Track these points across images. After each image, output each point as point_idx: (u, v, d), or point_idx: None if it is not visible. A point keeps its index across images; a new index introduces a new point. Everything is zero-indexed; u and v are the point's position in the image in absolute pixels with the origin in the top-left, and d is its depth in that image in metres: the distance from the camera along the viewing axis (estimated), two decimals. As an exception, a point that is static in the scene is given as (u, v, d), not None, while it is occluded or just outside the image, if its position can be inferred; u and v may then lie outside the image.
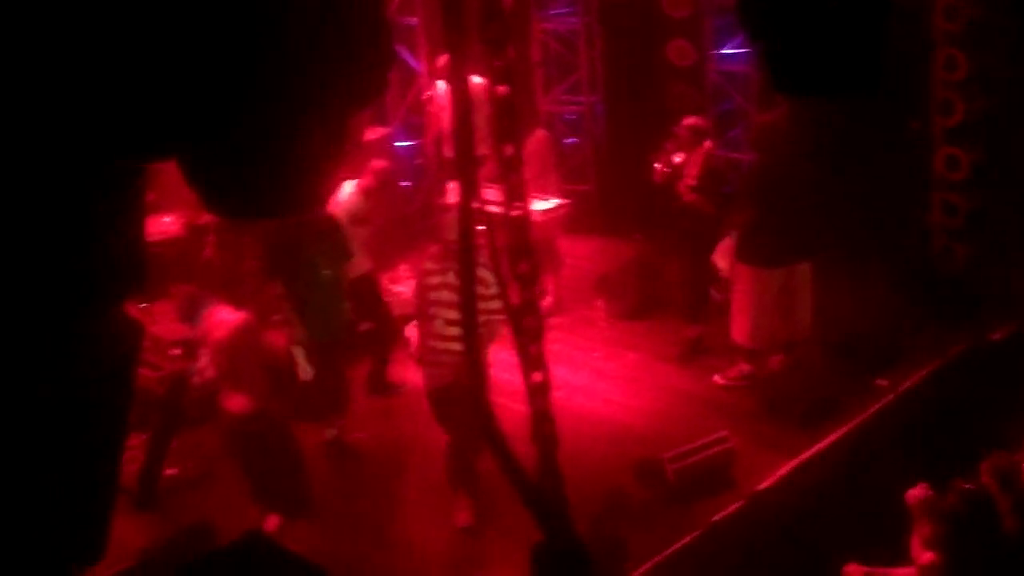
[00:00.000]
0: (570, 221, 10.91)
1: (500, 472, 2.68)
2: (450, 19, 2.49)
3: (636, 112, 11.79)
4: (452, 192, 9.71)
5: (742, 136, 11.06)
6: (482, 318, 6.88)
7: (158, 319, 8.70)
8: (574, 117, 12.62)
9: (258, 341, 7.51)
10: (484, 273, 7.10)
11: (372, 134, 11.27)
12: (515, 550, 6.50)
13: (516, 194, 2.68)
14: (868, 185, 9.79)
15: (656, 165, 9.33)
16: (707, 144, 9.29)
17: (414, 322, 7.85)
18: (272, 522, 7.46)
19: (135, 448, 7.63)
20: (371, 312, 9.13)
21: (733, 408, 8.68)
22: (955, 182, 9.74)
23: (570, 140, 12.68)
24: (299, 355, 8.23)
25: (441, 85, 11.39)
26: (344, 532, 7.52)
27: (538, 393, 2.59)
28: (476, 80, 3.70)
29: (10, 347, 1.95)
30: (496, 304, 6.11)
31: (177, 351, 8.05)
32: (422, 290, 7.47)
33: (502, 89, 2.69)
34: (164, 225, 9.96)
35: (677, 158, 9.23)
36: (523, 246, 2.67)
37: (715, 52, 11.34)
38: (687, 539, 6.68)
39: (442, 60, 11.26)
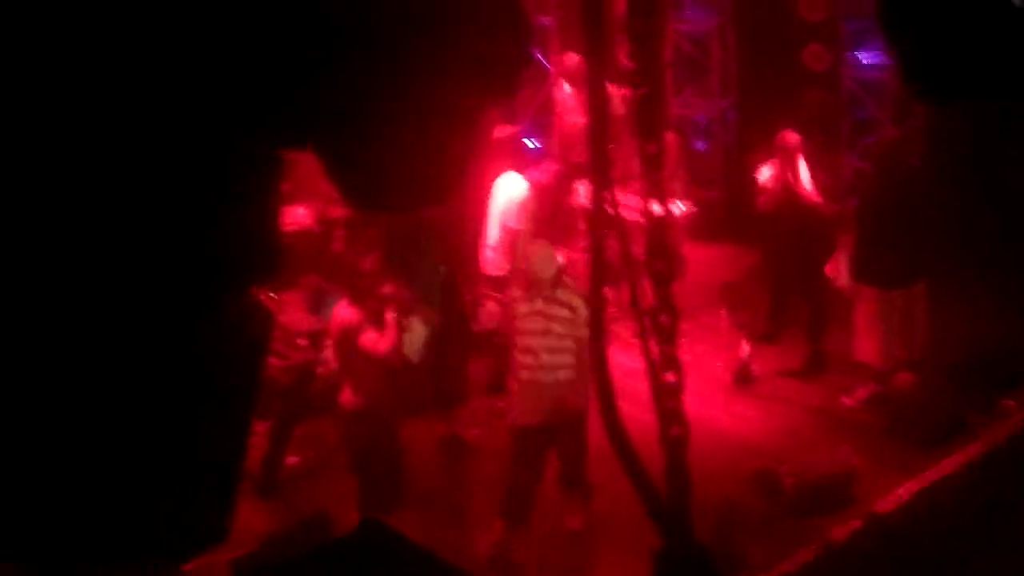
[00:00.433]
0: (696, 227, 10.78)
1: (619, 477, 2.64)
2: (590, 17, 2.46)
3: (769, 118, 11.57)
4: (581, 194, 9.68)
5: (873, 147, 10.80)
6: (570, 343, 6.77)
7: (286, 308, 8.85)
8: (704, 120, 12.45)
9: (367, 341, 7.54)
10: (573, 298, 7.03)
11: (501, 132, 11.30)
12: (625, 558, 6.52)
13: (657, 192, 2.64)
14: (998, 203, 9.44)
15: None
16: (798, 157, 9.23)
17: None
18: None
19: (259, 435, 7.78)
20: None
21: (857, 426, 8.53)
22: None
23: (699, 144, 12.51)
24: (414, 343, 8.26)
25: (567, 87, 11.36)
26: (456, 526, 7.57)
27: (669, 394, 2.54)
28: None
29: (146, 328, 2.00)
30: (585, 331, 5.99)
31: (304, 341, 8.18)
32: (510, 321, 7.37)
33: (644, 87, 2.66)
34: (297, 216, 10.12)
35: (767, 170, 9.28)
36: (660, 244, 2.62)
37: (850, 57, 11.08)
38: (801, 555, 6.55)
39: (571, 60, 11.24)
